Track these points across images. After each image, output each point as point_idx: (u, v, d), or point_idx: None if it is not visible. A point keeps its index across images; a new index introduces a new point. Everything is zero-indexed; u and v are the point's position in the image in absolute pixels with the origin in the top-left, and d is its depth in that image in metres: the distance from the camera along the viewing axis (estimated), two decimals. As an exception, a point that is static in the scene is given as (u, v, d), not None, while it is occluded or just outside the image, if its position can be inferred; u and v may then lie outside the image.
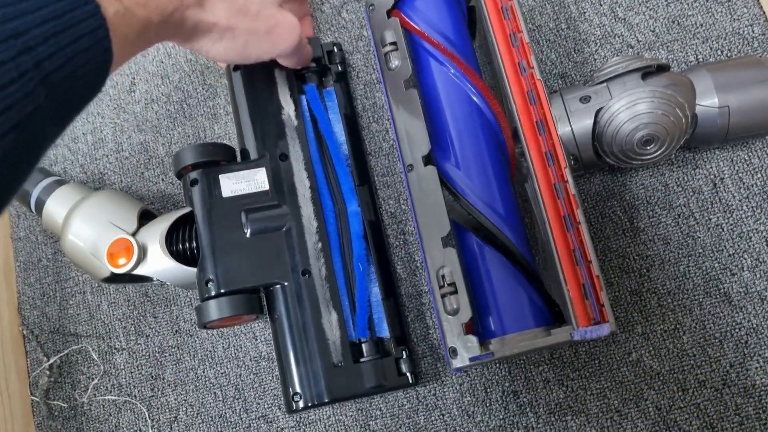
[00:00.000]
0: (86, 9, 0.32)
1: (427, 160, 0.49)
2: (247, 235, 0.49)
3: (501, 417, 0.51)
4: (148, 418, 0.56)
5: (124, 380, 0.58)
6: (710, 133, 0.48)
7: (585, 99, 0.48)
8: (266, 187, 0.50)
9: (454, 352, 0.45)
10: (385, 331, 0.50)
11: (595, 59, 0.56)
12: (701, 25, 0.54)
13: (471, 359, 0.44)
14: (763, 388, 0.48)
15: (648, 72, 0.47)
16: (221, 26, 0.43)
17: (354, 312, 0.49)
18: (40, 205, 0.54)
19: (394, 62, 0.52)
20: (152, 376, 0.57)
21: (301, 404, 0.46)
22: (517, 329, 0.45)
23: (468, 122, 0.50)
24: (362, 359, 0.48)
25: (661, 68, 0.48)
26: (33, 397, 0.58)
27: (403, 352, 0.49)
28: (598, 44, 0.56)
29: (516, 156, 0.50)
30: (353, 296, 0.49)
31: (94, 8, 0.33)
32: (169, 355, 0.58)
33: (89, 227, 0.51)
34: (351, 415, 0.53)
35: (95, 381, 0.58)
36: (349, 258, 0.50)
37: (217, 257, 0.48)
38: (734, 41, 0.54)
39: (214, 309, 0.47)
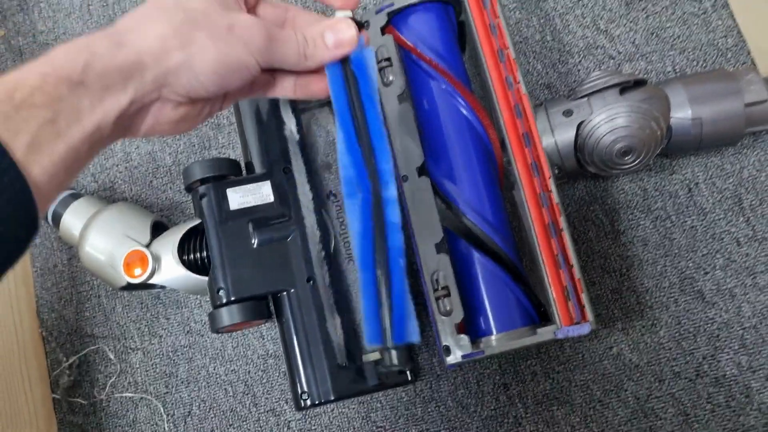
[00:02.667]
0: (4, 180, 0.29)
1: (421, 171, 0.52)
2: (255, 246, 0.52)
3: (492, 408, 0.55)
4: (163, 413, 0.60)
5: (139, 378, 0.62)
6: (684, 142, 0.51)
7: (567, 113, 0.51)
8: (271, 199, 0.53)
9: (447, 350, 0.49)
10: (416, 334, 0.41)
11: (578, 70, 0.59)
12: (678, 36, 0.58)
13: (463, 356, 0.48)
14: (732, 378, 0.52)
15: (626, 87, 0.51)
16: (175, 43, 0.37)
17: (390, 312, 0.41)
18: (57, 217, 0.57)
19: (389, 77, 0.55)
20: (166, 374, 0.61)
21: (308, 402, 0.50)
22: (505, 328, 0.49)
23: (459, 135, 0.53)
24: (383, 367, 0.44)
25: (638, 83, 0.51)
26: (54, 395, 0.62)
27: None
28: (582, 55, 0.59)
29: (504, 165, 0.54)
30: (389, 294, 0.41)
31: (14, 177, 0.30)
32: (182, 354, 0.62)
33: (105, 240, 0.54)
34: (353, 408, 0.57)
35: (112, 379, 0.62)
36: (381, 251, 0.42)
37: (227, 267, 0.51)
38: (709, 52, 0.57)
39: (226, 316, 0.51)
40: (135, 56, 0.36)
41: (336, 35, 0.43)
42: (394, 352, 0.43)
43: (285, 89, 0.46)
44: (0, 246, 0.30)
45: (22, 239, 0.31)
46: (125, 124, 0.37)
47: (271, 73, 0.46)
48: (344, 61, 0.45)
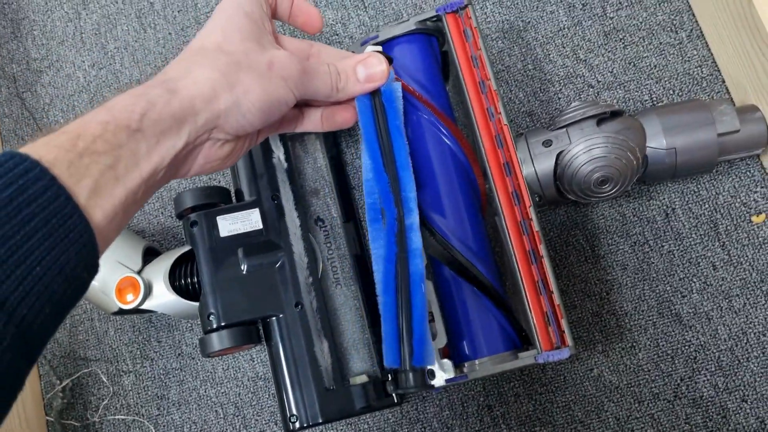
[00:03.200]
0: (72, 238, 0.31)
1: (406, 199, 0.54)
2: (244, 272, 0.54)
3: (477, 429, 0.56)
4: (155, 435, 0.62)
5: (132, 400, 0.63)
6: (660, 170, 0.53)
7: (547, 143, 0.53)
8: (260, 226, 0.55)
9: (432, 374, 0.50)
10: (432, 358, 0.44)
11: (559, 98, 0.61)
12: (655, 66, 0.60)
13: (447, 381, 0.50)
14: (710, 399, 0.53)
15: (603, 118, 0.52)
16: (223, 85, 0.39)
17: (409, 337, 0.43)
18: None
19: (375, 107, 0.57)
20: (158, 396, 0.63)
21: (297, 425, 0.51)
22: (488, 353, 0.51)
23: (442, 164, 0.55)
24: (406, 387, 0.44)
25: (615, 114, 0.53)
26: (48, 417, 0.63)
27: (389, 375, 0.54)
28: (562, 84, 0.61)
29: (486, 192, 0.55)
30: (409, 319, 0.43)
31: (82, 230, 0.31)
32: (173, 376, 0.63)
33: (98, 266, 0.55)
34: (341, 429, 0.58)
35: (105, 401, 0.63)
36: (404, 276, 0.45)
37: (217, 293, 0.53)
38: (685, 81, 0.59)
39: (216, 341, 0.52)
40: (188, 102, 0.38)
41: (368, 69, 0.46)
42: (411, 375, 0.44)
43: (313, 122, 0.49)
44: (65, 287, 0.31)
45: (84, 280, 0.33)
46: (178, 165, 0.39)
47: (299, 107, 0.48)
48: (374, 94, 0.48)
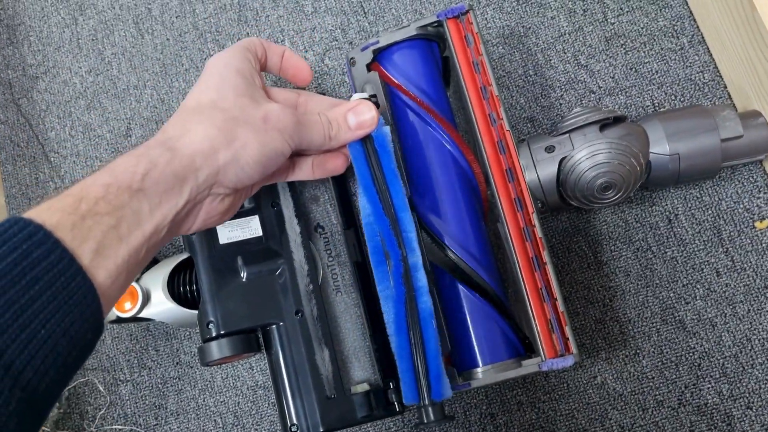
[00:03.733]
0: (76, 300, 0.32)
1: (407, 205, 0.53)
2: (244, 279, 0.53)
3: (480, 438, 0.56)
4: (153, 446, 0.61)
5: (129, 410, 0.62)
6: (663, 176, 0.53)
7: (550, 149, 0.53)
8: (260, 233, 0.54)
9: (435, 383, 0.49)
10: (449, 390, 0.46)
11: (560, 104, 0.60)
12: (657, 71, 0.59)
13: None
14: (714, 406, 0.53)
15: (606, 123, 0.52)
16: (221, 141, 0.40)
17: (426, 373, 0.46)
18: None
19: (375, 113, 0.56)
20: (156, 406, 0.62)
21: (297, 435, 0.51)
22: (491, 361, 0.50)
23: (443, 170, 0.54)
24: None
25: (618, 119, 0.53)
26: (44, 428, 0.62)
27: (390, 383, 0.53)
28: (563, 89, 0.61)
29: (488, 198, 0.55)
30: (423, 356, 0.46)
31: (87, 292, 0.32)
32: (171, 385, 0.62)
33: (96, 274, 0.55)
34: (342, 439, 0.58)
35: (102, 411, 0.62)
36: (413, 315, 0.46)
37: (217, 301, 0.52)
38: (687, 87, 0.59)
39: (216, 349, 0.51)
40: (188, 160, 0.38)
41: (358, 117, 0.48)
42: (431, 409, 0.45)
43: (304, 171, 0.50)
44: (70, 348, 0.31)
45: (89, 341, 0.33)
46: (180, 222, 0.40)
47: (291, 158, 0.48)
48: (365, 140, 0.49)
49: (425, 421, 0.46)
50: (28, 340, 0.29)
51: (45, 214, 0.32)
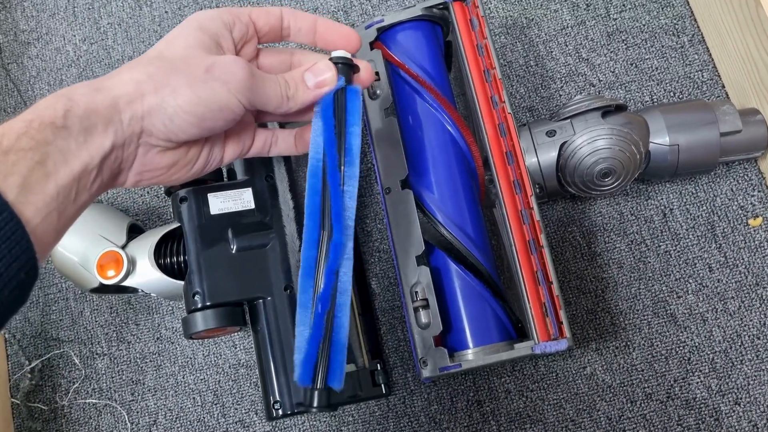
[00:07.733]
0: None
1: (404, 184, 0.52)
2: (233, 251, 0.52)
3: (465, 425, 0.55)
4: (127, 421, 0.59)
5: (104, 384, 0.60)
6: (661, 167, 0.53)
7: (551, 133, 0.52)
8: (252, 206, 0.53)
9: (424, 362, 0.48)
10: (342, 382, 0.41)
11: (560, 95, 0.60)
12: (657, 68, 0.60)
13: (440, 369, 0.48)
14: (702, 401, 0.52)
15: (607, 111, 0.52)
16: (149, 87, 0.38)
17: (327, 359, 0.41)
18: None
19: (376, 91, 0.56)
20: (133, 381, 0.60)
21: (281, 412, 0.49)
22: (483, 343, 0.49)
23: (442, 150, 0.54)
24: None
25: (620, 108, 0.53)
26: (14, 400, 0.60)
27: (378, 365, 0.52)
28: (563, 81, 0.61)
29: (485, 182, 0.54)
30: (329, 342, 0.41)
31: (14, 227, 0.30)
32: (150, 361, 0.60)
33: (79, 240, 0.53)
34: (325, 421, 0.56)
35: (76, 384, 0.60)
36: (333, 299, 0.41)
37: (204, 271, 0.51)
38: (685, 84, 0.59)
39: (200, 321, 0.50)
40: (110, 100, 0.37)
41: (316, 76, 0.44)
42: (316, 393, 0.41)
43: (287, 145, 0.47)
44: (1, 287, 0.30)
45: (22, 281, 0.32)
46: (113, 168, 0.38)
47: (272, 131, 0.47)
48: (335, 101, 0.44)
49: (306, 404, 0.42)
50: None
51: None
